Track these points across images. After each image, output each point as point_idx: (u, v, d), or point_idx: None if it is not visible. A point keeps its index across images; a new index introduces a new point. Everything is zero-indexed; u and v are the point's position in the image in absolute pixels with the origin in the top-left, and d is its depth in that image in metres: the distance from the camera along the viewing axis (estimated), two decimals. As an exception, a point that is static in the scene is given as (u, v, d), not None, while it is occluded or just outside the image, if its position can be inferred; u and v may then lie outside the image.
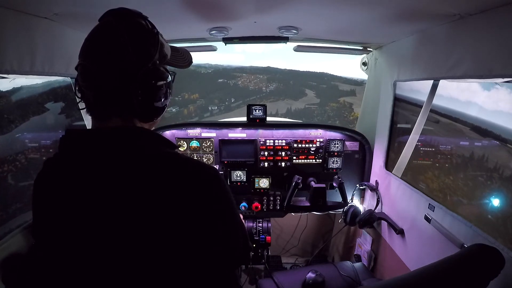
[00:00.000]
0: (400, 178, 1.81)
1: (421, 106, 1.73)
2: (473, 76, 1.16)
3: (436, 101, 1.64)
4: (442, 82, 1.56)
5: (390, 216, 1.85)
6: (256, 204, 2.15)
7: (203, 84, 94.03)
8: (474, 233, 1.15)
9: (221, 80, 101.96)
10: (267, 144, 2.14)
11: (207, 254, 0.75)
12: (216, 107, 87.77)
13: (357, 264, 1.86)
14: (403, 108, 2.02)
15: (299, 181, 2.05)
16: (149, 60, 0.73)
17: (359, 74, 2.37)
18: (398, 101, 1.89)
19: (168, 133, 2.15)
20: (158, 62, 0.77)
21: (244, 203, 2.13)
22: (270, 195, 2.20)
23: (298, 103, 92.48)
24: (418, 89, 1.83)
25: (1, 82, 1.64)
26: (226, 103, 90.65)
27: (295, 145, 2.15)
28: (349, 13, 1.31)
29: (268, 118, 2.16)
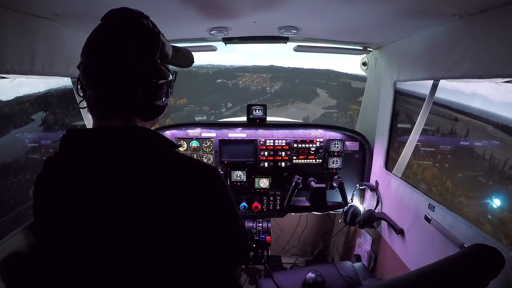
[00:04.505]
0: (400, 178, 1.81)
1: (423, 99, 1.71)
2: (473, 76, 1.17)
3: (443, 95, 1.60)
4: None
5: (390, 216, 1.85)
6: (256, 204, 2.15)
7: (197, 86, 77.05)
8: (474, 233, 1.15)
9: (219, 81, 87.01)
10: (267, 144, 2.14)
11: (207, 254, 0.75)
12: (204, 117, 66.39)
13: (357, 264, 1.86)
14: (406, 102, 2.00)
15: (299, 181, 2.05)
16: (150, 59, 0.74)
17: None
18: (400, 94, 1.88)
19: (168, 133, 2.15)
20: (159, 61, 0.77)
21: (244, 203, 2.13)
22: (270, 195, 2.20)
23: (312, 106, 76.92)
24: (421, 83, 1.80)
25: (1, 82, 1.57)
26: (218, 110, 73.11)
27: (295, 145, 2.15)
28: (349, 13, 1.31)
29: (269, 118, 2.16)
